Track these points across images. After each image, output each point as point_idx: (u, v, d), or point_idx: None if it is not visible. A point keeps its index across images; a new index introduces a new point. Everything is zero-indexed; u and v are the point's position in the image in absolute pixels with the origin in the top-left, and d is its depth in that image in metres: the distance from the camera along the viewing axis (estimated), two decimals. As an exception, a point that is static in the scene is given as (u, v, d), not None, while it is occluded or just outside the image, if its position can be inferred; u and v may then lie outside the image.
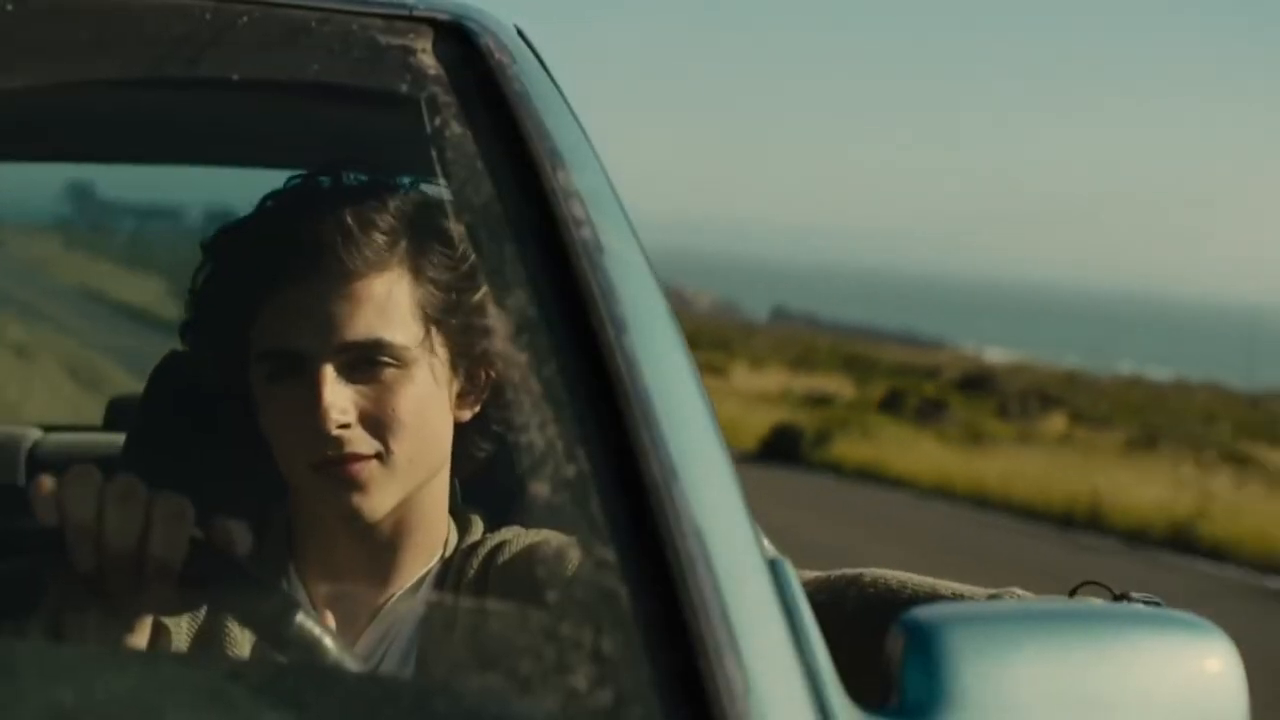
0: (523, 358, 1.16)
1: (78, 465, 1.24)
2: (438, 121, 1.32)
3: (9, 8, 1.36)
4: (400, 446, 1.48)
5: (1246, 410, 30.62)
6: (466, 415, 1.56)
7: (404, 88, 1.37)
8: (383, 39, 1.41)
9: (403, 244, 1.50)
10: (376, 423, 1.48)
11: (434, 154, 1.30)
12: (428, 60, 1.39)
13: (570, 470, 1.08)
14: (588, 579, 1.05)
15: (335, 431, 1.46)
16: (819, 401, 24.40)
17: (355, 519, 1.49)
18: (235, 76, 1.43)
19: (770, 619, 1.05)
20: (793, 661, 1.04)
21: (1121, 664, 1.17)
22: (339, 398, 1.46)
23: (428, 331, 1.50)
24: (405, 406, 1.48)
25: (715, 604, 1.01)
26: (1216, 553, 12.42)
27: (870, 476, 16.75)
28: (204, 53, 1.40)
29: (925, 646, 1.12)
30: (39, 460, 2.98)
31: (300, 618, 1.22)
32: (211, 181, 2.33)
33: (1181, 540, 12.94)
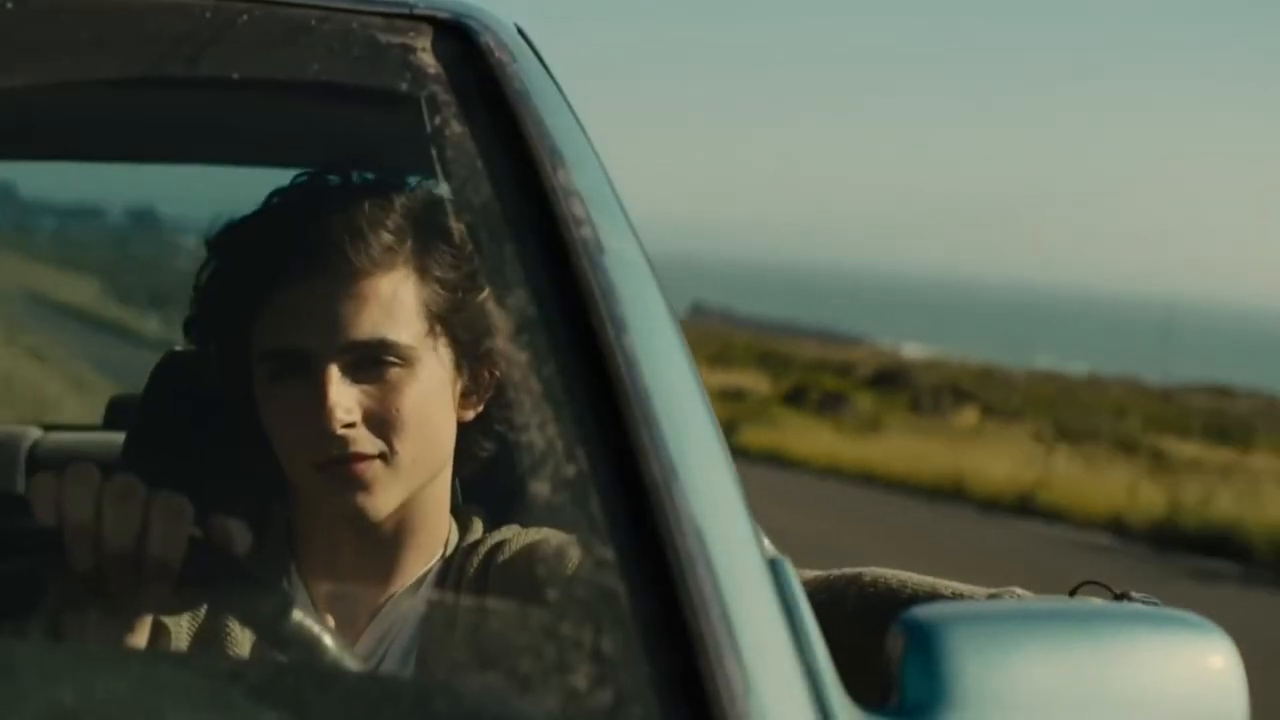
0: (523, 357, 1.16)
1: (77, 464, 1.24)
2: (438, 120, 1.32)
3: (9, 7, 1.36)
4: (404, 446, 1.48)
5: (1159, 404, 31.41)
6: (469, 415, 1.56)
7: (404, 86, 1.36)
8: (383, 37, 1.41)
9: (409, 243, 1.50)
10: (381, 422, 1.48)
11: (434, 153, 1.30)
12: (428, 59, 1.39)
13: (570, 470, 1.08)
14: (588, 578, 1.05)
15: (340, 431, 1.46)
16: (733, 397, 25.08)
17: (359, 518, 1.49)
18: (235, 75, 1.43)
19: (770, 618, 1.05)
20: (793, 661, 1.04)
21: (1121, 663, 1.17)
22: (344, 397, 1.46)
23: (432, 331, 1.50)
24: (409, 406, 1.48)
25: (715, 603, 1.01)
26: (1053, 516, 14.79)
27: (773, 459, 18.63)
28: (204, 51, 1.40)
29: (925, 646, 1.12)
30: (39, 459, 2.98)
31: (300, 617, 1.22)
32: (211, 181, 2.33)
33: (1025, 507, 15.34)
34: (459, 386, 1.54)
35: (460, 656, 1.12)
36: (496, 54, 1.40)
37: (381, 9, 1.45)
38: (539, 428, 1.11)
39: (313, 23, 1.43)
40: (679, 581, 1.02)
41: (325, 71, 1.42)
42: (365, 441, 1.47)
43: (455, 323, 1.52)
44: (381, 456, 1.48)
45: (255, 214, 1.55)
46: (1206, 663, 1.20)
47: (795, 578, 1.11)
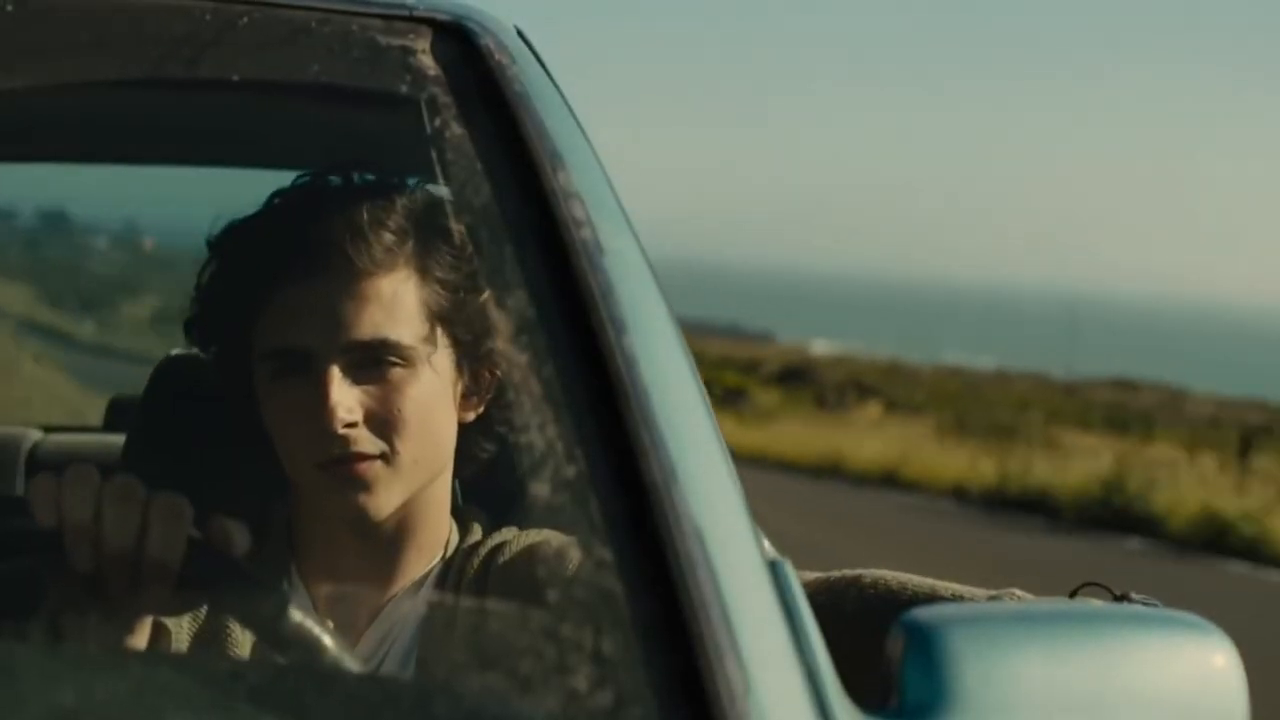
0: (523, 358, 1.16)
1: (76, 466, 1.24)
2: (437, 122, 1.32)
3: (9, 8, 1.36)
4: (405, 446, 1.48)
5: (1062, 398, 32.01)
6: (470, 416, 1.56)
7: (404, 88, 1.36)
8: (382, 39, 1.41)
9: (410, 244, 1.50)
10: (382, 422, 1.48)
11: (434, 155, 1.30)
12: (427, 61, 1.39)
13: (570, 471, 1.08)
14: (588, 579, 1.05)
15: (341, 431, 1.46)
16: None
17: (360, 519, 1.49)
18: (235, 77, 1.43)
19: (770, 620, 1.05)
20: (793, 662, 1.04)
21: (1122, 664, 1.17)
22: (345, 397, 1.46)
23: (433, 332, 1.50)
24: (411, 406, 1.48)
25: (715, 605, 1.01)
26: (910, 487, 17.40)
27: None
28: (204, 53, 1.40)
29: (925, 647, 1.12)
30: (39, 461, 2.98)
31: (300, 618, 1.22)
32: (211, 182, 2.33)
33: (890, 480, 17.95)
34: (460, 387, 1.54)
35: (460, 657, 1.13)
36: (496, 56, 1.40)
37: (381, 11, 1.45)
38: (539, 429, 1.11)
39: (312, 25, 1.43)
40: (679, 582, 1.02)
41: (325, 73, 1.43)
42: (366, 441, 1.47)
43: (456, 323, 1.52)
44: (382, 457, 1.48)
45: (256, 215, 1.55)
46: (1207, 663, 1.20)
47: (795, 579, 1.11)
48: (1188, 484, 14.79)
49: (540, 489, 1.08)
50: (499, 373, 1.54)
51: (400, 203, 1.51)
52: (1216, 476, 15.79)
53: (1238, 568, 11.80)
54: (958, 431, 20.92)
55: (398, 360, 1.48)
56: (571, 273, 1.20)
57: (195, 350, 1.65)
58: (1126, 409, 28.87)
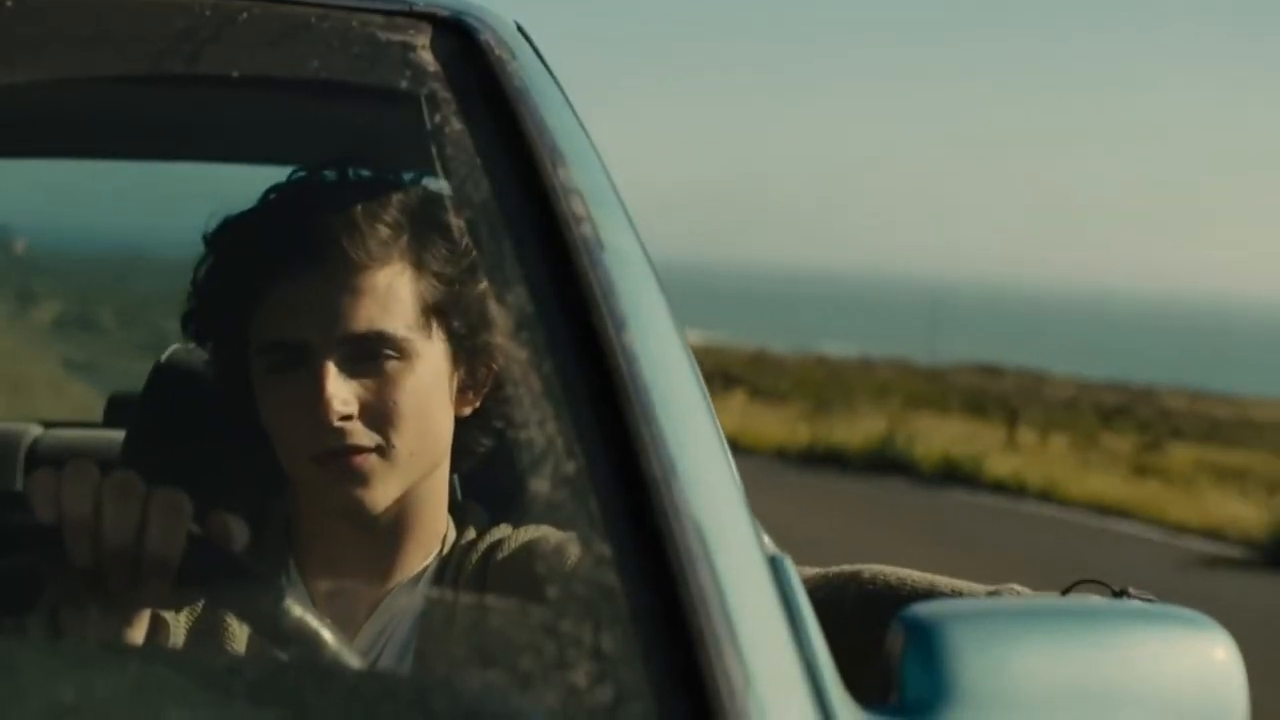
0: (522, 354, 1.16)
1: (76, 461, 1.24)
2: (437, 118, 1.32)
3: (9, 4, 1.36)
4: (401, 440, 1.48)
5: (923, 383, 33.50)
6: (467, 410, 1.56)
7: (404, 84, 1.36)
8: (382, 35, 1.41)
9: (405, 237, 1.50)
10: (378, 415, 1.48)
11: (433, 150, 1.30)
12: (427, 56, 1.39)
13: (570, 466, 1.08)
14: (587, 575, 1.05)
15: (337, 424, 1.46)
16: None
17: (356, 512, 1.49)
18: (235, 73, 1.43)
19: (770, 615, 1.05)
20: (792, 658, 1.04)
21: (1122, 659, 1.17)
22: (341, 389, 1.46)
23: (429, 325, 1.51)
24: (406, 399, 1.49)
25: (715, 600, 1.01)
26: (744, 451, 18.54)
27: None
28: (204, 49, 1.40)
29: (925, 643, 1.12)
30: (39, 456, 2.98)
31: (298, 612, 1.22)
32: (210, 178, 2.33)
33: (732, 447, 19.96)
34: (456, 381, 1.55)
35: (459, 652, 1.13)
36: (496, 51, 1.40)
37: (381, 7, 1.45)
38: (539, 424, 1.11)
39: (312, 20, 1.43)
40: (678, 578, 1.02)
41: (325, 69, 1.43)
42: (362, 434, 1.47)
43: (452, 317, 1.52)
44: (378, 450, 1.48)
45: (252, 209, 1.56)
46: (1207, 659, 1.20)
47: (795, 574, 1.11)
48: (939, 440, 19.63)
49: (540, 484, 1.08)
50: (496, 367, 1.55)
51: (395, 197, 1.52)
52: (976, 436, 20.86)
53: (961, 494, 16.68)
54: (814, 414, 22.82)
55: (393, 353, 1.48)
56: (571, 268, 1.20)
57: (192, 345, 1.65)
58: (985, 392, 31.55)
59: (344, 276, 1.48)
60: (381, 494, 1.49)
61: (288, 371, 1.48)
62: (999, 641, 1.14)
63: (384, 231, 1.49)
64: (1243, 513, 14.87)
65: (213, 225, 1.57)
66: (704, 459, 1.12)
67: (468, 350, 1.53)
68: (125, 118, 1.96)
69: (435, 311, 1.51)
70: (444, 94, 1.34)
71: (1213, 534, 14.47)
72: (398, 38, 1.41)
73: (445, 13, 1.45)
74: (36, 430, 3.09)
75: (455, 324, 1.52)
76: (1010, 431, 21.43)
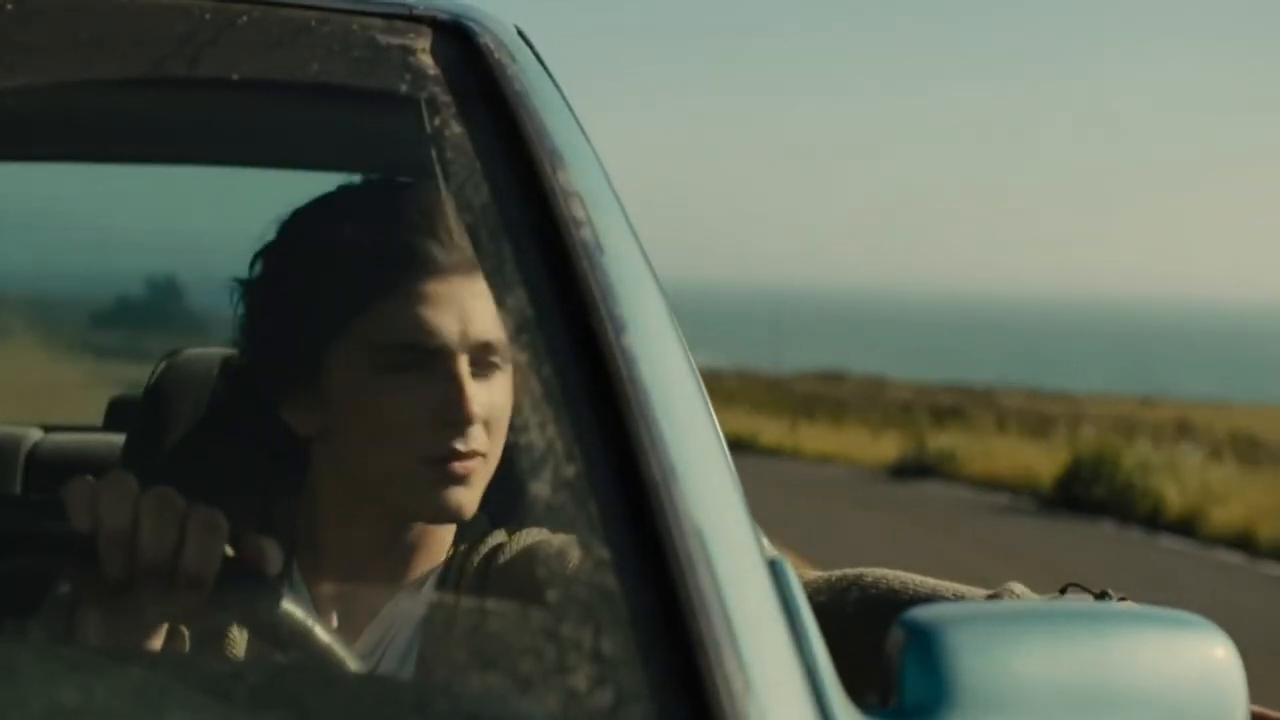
0: (523, 357, 1.16)
1: (116, 473, 1.23)
2: (437, 121, 1.32)
3: (9, 7, 1.36)
4: (494, 447, 1.52)
5: (766, 391, 35.05)
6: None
7: (404, 87, 1.36)
8: (382, 39, 1.41)
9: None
10: (487, 421, 1.51)
11: (433, 154, 1.30)
12: (427, 60, 1.39)
13: (570, 470, 1.08)
14: (587, 579, 1.05)
15: (470, 426, 1.48)
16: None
17: (456, 515, 1.51)
18: (235, 76, 1.43)
19: (770, 618, 1.05)
20: (792, 661, 1.04)
21: (1121, 663, 1.17)
22: (476, 393, 1.49)
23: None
24: (503, 407, 1.52)
25: (715, 603, 1.01)
26: None
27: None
28: (203, 52, 1.40)
29: (925, 646, 1.12)
30: (39, 460, 2.97)
31: (300, 617, 1.22)
32: (211, 182, 2.33)
33: None
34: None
35: (460, 657, 1.13)
36: (496, 55, 1.40)
37: (381, 10, 1.45)
38: (539, 427, 1.11)
39: (312, 24, 1.43)
40: (678, 581, 1.02)
41: (325, 73, 1.43)
42: (479, 439, 1.50)
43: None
44: (483, 455, 1.50)
45: (325, 212, 1.56)
46: (1206, 662, 1.20)
47: (795, 578, 1.11)
48: (768, 434, 25.00)
49: (540, 487, 1.08)
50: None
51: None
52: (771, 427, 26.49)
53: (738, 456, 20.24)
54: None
55: (498, 361, 1.51)
56: (571, 272, 1.20)
57: (193, 349, 1.65)
58: (825, 398, 33.93)
59: (471, 280, 1.50)
60: (475, 499, 1.52)
61: (413, 371, 1.49)
62: (998, 644, 1.14)
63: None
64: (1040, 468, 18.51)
65: (274, 231, 1.57)
66: (704, 462, 1.12)
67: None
68: (125, 121, 1.97)
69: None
70: (444, 97, 1.35)
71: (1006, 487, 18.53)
72: (397, 41, 1.41)
73: (445, 16, 1.45)
74: (37, 434, 3.08)
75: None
76: (793, 421, 27.52)
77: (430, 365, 1.49)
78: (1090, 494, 16.98)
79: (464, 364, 1.49)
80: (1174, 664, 1.19)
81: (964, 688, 1.11)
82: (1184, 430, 25.56)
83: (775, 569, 1.10)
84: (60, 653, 1.12)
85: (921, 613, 1.15)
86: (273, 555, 1.24)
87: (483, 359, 1.51)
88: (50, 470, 2.90)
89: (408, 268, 1.50)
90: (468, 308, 1.50)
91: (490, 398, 1.50)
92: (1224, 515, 15.05)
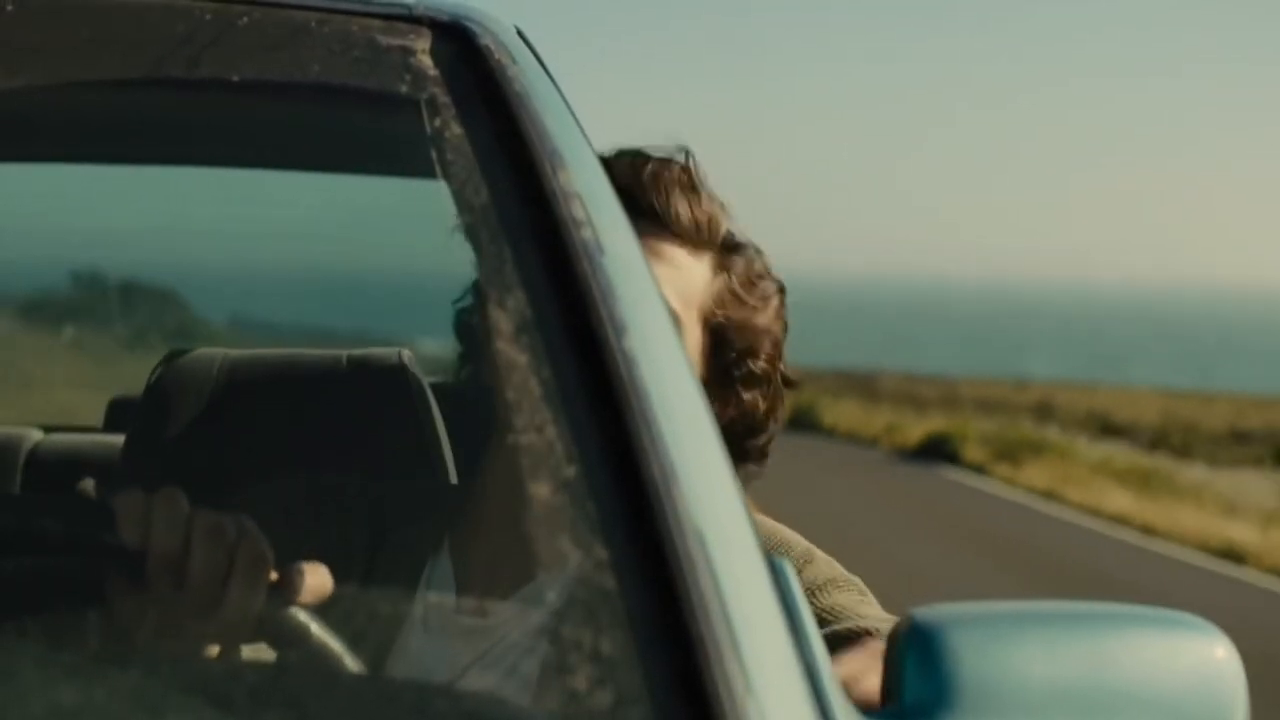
0: (522, 358, 1.16)
1: (168, 490, 1.22)
2: (437, 122, 1.32)
3: (9, 8, 1.36)
4: None
5: None
6: None
7: (403, 88, 1.36)
8: (382, 39, 1.41)
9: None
10: None
11: (433, 155, 1.30)
12: (427, 61, 1.39)
13: (570, 471, 1.08)
14: (587, 580, 1.05)
15: None
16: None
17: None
18: (235, 77, 1.43)
19: (770, 619, 1.05)
20: (792, 661, 1.04)
21: (1121, 664, 1.17)
22: None
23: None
24: None
25: (715, 604, 1.01)
26: None
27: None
28: (204, 53, 1.40)
29: (925, 647, 1.12)
30: (39, 461, 2.98)
31: (302, 618, 1.22)
32: (210, 183, 2.33)
33: None
34: None
35: (460, 657, 1.13)
36: (496, 56, 1.40)
37: (381, 11, 1.45)
38: (539, 429, 1.11)
39: (312, 25, 1.43)
40: (679, 582, 1.02)
41: (325, 73, 1.43)
42: None
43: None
44: None
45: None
46: (1206, 663, 1.20)
47: (795, 578, 1.11)
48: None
49: (540, 489, 1.08)
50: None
51: None
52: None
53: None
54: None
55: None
56: (571, 273, 1.20)
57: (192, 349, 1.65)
58: None
59: (670, 247, 1.74)
60: None
61: None
62: (999, 645, 1.14)
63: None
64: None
65: None
66: (704, 463, 1.12)
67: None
68: (125, 122, 1.97)
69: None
70: (443, 98, 1.35)
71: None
72: (397, 42, 1.41)
73: (445, 17, 1.45)
74: (37, 435, 3.09)
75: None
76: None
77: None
78: (939, 450, 23.15)
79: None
80: (1174, 665, 1.19)
81: (964, 688, 1.11)
82: (1044, 411, 30.51)
83: (775, 569, 1.10)
84: (60, 652, 1.13)
85: (922, 613, 1.15)
86: (315, 584, 1.22)
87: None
88: (50, 471, 2.90)
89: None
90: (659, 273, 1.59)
91: None
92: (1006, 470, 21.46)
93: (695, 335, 1.74)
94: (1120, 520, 16.62)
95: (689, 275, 1.74)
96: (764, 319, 1.79)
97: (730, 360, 1.76)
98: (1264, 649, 8.61)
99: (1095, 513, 17.27)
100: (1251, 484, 20.06)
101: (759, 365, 1.78)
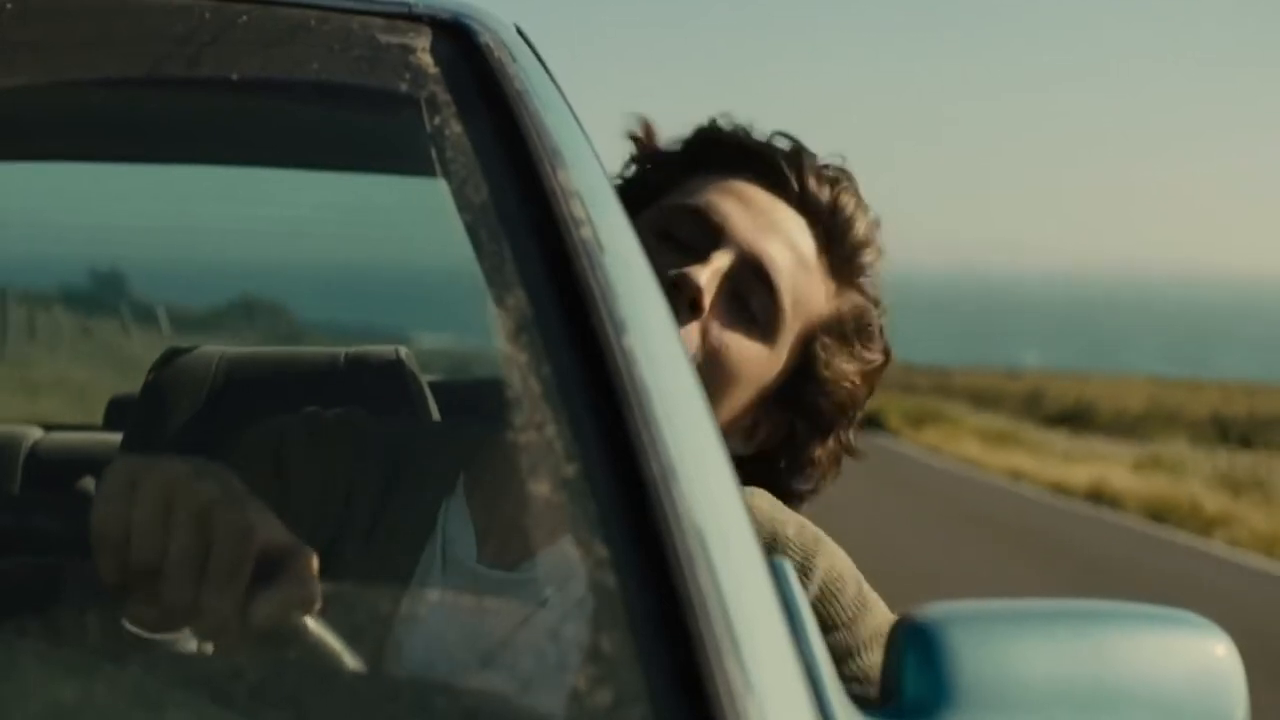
0: (522, 357, 1.16)
1: (149, 474, 1.19)
2: (437, 120, 1.32)
3: (8, 6, 1.36)
4: (708, 382, 1.62)
5: None
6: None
7: (403, 87, 1.36)
8: (382, 38, 1.41)
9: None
10: (713, 352, 1.62)
11: (433, 153, 1.30)
12: (427, 59, 1.39)
13: (569, 469, 1.08)
14: (587, 578, 1.05)
15: (684, 303, 1.60)
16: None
17: None
18: (234, 75, 1.43)
19: (770, 617, 1.05)
20: (792, 660, 1.04)
21: (1121, 661, 1.17)
22: (712, 288, 1.63)
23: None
24: (736, 358, 1.64)
25: (715, 602, 1.01)
26: None
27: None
28: (203, 52, 1.40)
29: (925, 646, 1.13)
30: (39, 459, 2.98)
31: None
32: (210, 181, 2.33)
33: None
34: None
35: (461, 655, 1.13)
36: (496, 54, 1.40)
37: (381, 9, 1.45)
38: (538, 427, 1.11)
39: (312, 23, 1.43)
40: (678, 581, 1.02)
41: (325, 72, 1.43)
42: (688, 331, 1.60)
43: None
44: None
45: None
46: (1206, 661, 1.20)
47: (794, 577, 1.11)
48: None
49: (539, 487, 1.08)
50: (784, 432, 1.67)
51: None
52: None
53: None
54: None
55: (758, 309, 1.63)
56: (571, 271, 1.20)
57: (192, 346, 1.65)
58: None
59: (790, 218, 1.66)
60: None
61: (680, 240, 1.63)
62: (998, 643, 1.14)
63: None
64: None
65: None
66: (703, 461, 1.12)
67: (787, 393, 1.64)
68: (125, 121, 1.97)
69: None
70: (444, 97, 1.35)
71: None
72: (397, 40, 1.41)
73: (445, 15, 1.45)
74: (37, 433, 3.09)
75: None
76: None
77: (696, 243, 1.56)
78: (872, 420, 26.15)
79: (725, 259, 1.56)
80: (1174, 662, 1.19)
81: (964, 687, 1.11)
82: (1034, 400, 34.77)
83: (775, 568, 1.10)
84: (60, 651, 1.12)
85: (921, 612, 1.15)
86: (301, 595, 1.13)
87: (749, 284, 1.57)
88: (50, 469, 2.90)
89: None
90: (769, 226, 1.58)
91: (726, 336, 1.57)
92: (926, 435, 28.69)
93: (786, 343, 1.63)
94: (969, 461, 24.35)
95: (812, 280, 1.63)
96: (862, 387, 1.68)
97: (806, 393, 1.65)
98: (1015, 524, 15.67)
99: (957, 458, 24.83)
100: (1103, 447, 25.96)
101: (830, 420, 1.66)
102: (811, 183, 1.64)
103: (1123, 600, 1.27)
